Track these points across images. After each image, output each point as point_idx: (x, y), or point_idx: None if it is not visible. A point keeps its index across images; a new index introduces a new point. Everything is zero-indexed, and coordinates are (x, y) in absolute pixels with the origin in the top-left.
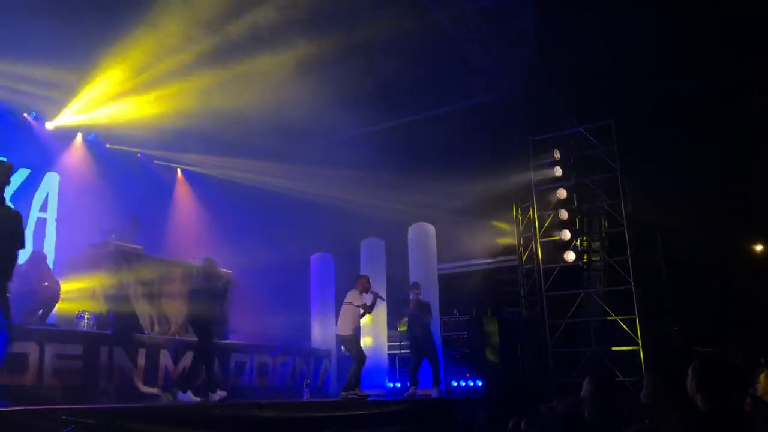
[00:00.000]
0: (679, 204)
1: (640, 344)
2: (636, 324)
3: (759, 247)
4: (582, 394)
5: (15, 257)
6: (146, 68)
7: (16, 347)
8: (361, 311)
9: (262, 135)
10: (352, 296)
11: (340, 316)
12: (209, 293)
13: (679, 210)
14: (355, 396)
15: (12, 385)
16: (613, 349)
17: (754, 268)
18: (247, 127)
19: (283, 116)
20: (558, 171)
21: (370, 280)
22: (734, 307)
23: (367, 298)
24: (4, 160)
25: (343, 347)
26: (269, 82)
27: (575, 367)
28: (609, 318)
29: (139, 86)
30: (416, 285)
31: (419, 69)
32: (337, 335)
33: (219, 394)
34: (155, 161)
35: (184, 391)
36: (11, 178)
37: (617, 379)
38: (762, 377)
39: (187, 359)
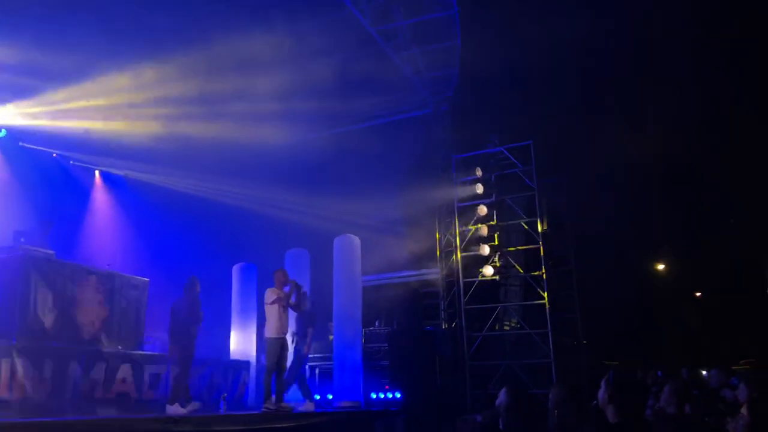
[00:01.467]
0: (591, 224)
1: (551, 357)
2: (548, 337)
3: (661, 266)
4: (497, 403)
5: None
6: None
7: None
8: (281, 307)
9: (186, 143)
10: (268, 294)
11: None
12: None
13: (591, 229)
14: (274, 409)
15: None
16: (527, 361)
17: (657, 285)
18: (174, 138)
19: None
20: (479, 188)
21: (286, 272)
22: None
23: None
24: None
25: None
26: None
27: (491, 380)
28: (524, 332)
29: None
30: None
31: (349, 81)
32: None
33: (193, 405)
34: (71, 162)
35: (172, 404)
36: None
37: (530, 391)
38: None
39: (99, 370)
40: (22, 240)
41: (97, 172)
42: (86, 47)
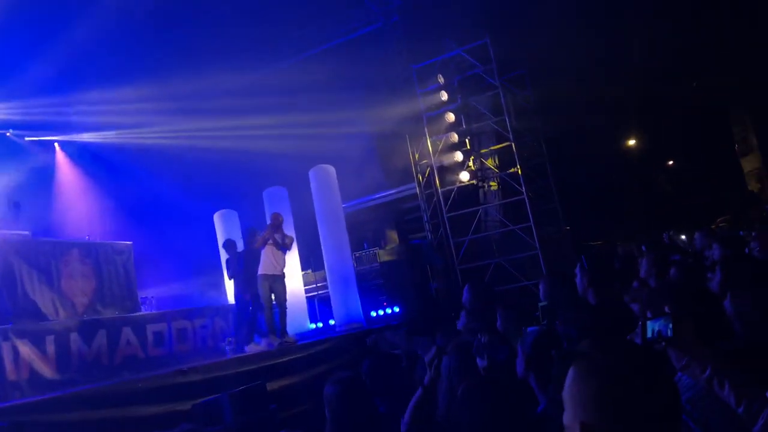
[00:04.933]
0: (558, 112)
1: (538, 248)
2: (532, 231)
3: (631, 141)
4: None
5: None
6: None
7: None
8: (268, 246)
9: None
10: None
11: None
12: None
13: (559, 118)
14: (277, 344)
15: None
16: (515, 257)
17: (630, 161)
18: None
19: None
20: (444, 95)
21: (278, 216)
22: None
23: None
24: None
25: None
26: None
27: (482, 279)
28: (507, 229)
29: None
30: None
31: (291, 6)
32: None
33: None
34: (26, 138)
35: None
36: None
37: (522, 284)
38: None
39: (101, 338)
40: None
41: (56, 145)
42: None
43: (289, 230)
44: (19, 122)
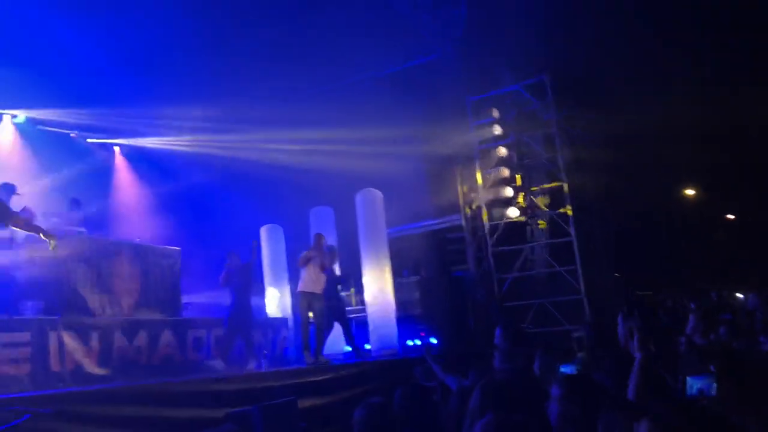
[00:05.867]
0: (616, 155)
1: (583, 293)
2: (578, 274)
3: (690, 191)
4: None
5: None
6: None
7: None
8: (310, 265)
9: (203, 102)
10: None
11: None
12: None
13: (617, 161)
14: (311, 362)
15: None
16: (559, 299)
17: (687, 211)
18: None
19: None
20: (497, 129)
21: (321, 237)
22: (669, 250)
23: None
24: None
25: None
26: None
27: (524, 320)
28: (554, 270)
29: None
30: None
31: (350, 31)
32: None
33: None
34: (88, 140)
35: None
36: None
37: (564, 328)
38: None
39: (142, 338)
40: (54, 221)
41: (116, 148)
42: None
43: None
44: (83, 125)
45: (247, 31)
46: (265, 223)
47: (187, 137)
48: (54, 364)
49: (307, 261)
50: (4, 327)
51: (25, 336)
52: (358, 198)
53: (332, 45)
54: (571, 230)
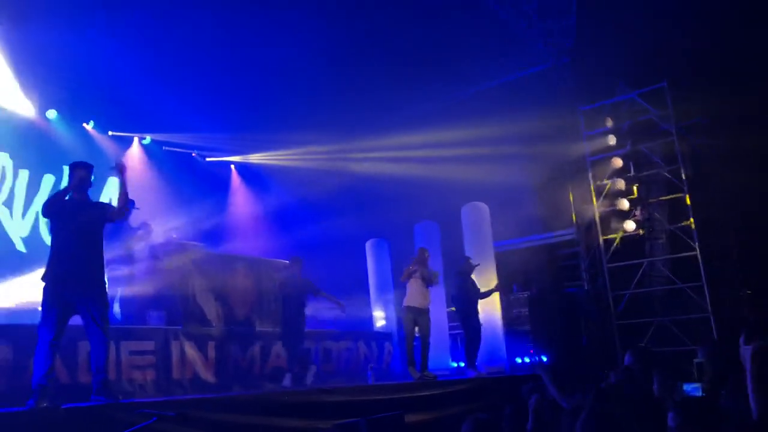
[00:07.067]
0: (742, 165)
1: (710, 311)
2: (704, 291)
3: None
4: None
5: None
6: None
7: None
8: (414, 279)
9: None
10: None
11: None
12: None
13: (745, 168)
14: (417, 377)
15: (90, 382)
16: (681, 317)
17: None
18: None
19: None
20: (612, 140)
21: (424, 252)
22: None
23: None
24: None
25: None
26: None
27: (642, 339)
28: (675, 287)
29: None
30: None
31: (459, 44)
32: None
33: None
34: (207, 159)
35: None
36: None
37: (687, 348)
38: None
39: (256, 349)
40: (175, 236)
41: (232, 166)
42: None
43: (439, 267)
44: (203, 146)
45: (362, 49)
46: (371, 238)
47: (298, 151)
48: (175, 372)
49: (410, 275)
50: (132, 335)
51: (150, 344)
52: (464, 211)
53: (442, 59)
54: (696, 244)
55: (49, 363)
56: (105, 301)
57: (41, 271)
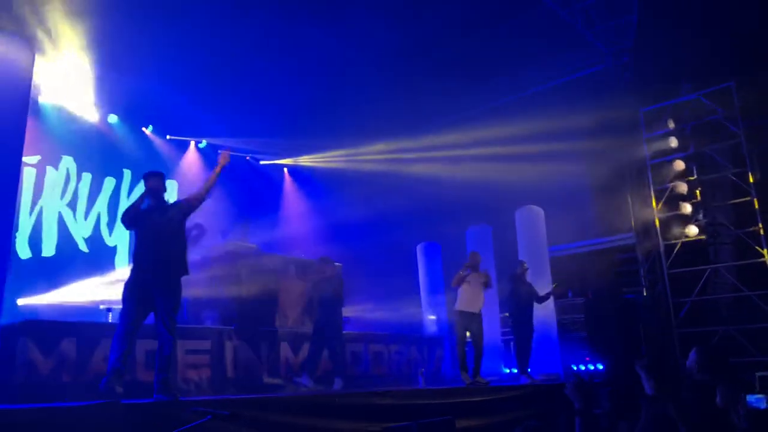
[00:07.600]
0: None
1: None
2: None
3: None
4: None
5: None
6: None
7: (151, 344)
8: (467, 283)
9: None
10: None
11: None
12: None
13: None
14: (469, 383)
15: (150, 381)
16: (748, 326)
17: None
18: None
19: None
20: (673, 142)
21: (476, 256)
22: None
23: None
24: (159, 171)
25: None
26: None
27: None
28: (741, 294)
29: None
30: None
31: (518, 44)
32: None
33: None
34: (261, 162)
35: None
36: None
37: (755, 359)
38: None
39: (306, 350)
40: (229, 237)
41: (285, 170)
42: None
43: (491, 271)
44: (257, 150)
45: (418, 50)
46: (423, 241)
47: (350, 153)
48: (229, 371)
49: (462, 280)
50: (189, 335)
51: (205, 344)
52: (518, 215)
53: (500, 60)
54: (764, 250)
55: (124, 347)
56: (178, 299)
57: (104, 272)
